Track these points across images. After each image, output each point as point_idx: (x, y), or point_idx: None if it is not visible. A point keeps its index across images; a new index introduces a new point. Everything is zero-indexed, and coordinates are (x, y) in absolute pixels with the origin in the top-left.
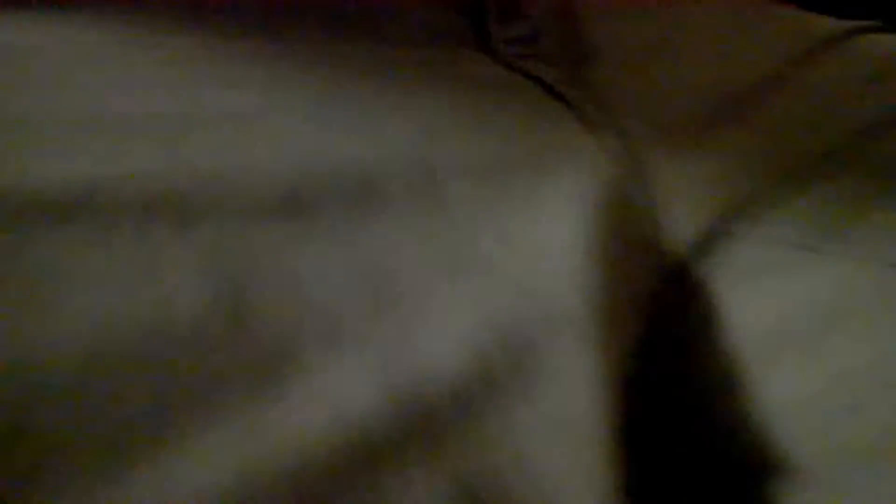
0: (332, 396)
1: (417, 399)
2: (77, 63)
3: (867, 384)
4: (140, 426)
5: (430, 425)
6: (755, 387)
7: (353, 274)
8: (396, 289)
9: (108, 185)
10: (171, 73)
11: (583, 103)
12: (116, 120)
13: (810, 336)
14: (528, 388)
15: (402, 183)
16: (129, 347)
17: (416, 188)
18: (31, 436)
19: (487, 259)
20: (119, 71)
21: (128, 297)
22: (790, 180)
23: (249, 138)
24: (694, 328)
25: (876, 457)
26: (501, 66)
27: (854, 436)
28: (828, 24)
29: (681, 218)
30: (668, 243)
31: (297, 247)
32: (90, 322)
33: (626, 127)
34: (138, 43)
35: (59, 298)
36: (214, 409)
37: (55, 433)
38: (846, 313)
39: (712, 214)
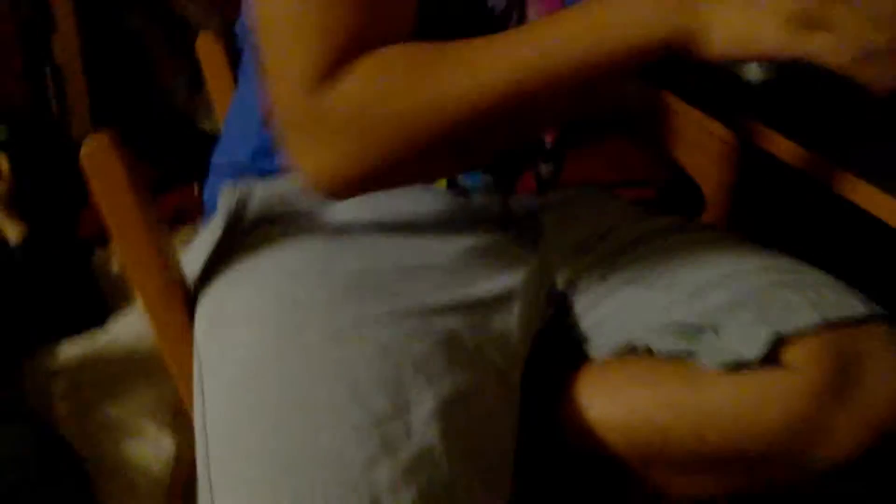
0: None
1: None
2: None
3: None
4: None
5: None
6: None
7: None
8: None
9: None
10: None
11: (536, 251)
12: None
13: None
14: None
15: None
16: None
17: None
18: None
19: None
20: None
21: None
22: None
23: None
24: (564, 312)
25: None
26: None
27: None
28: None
29: (559, 279)
30: (553, 287)
31: None
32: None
33: (547, 258)
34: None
35: None
36: None
37: None
38: None
39: (570, 276)
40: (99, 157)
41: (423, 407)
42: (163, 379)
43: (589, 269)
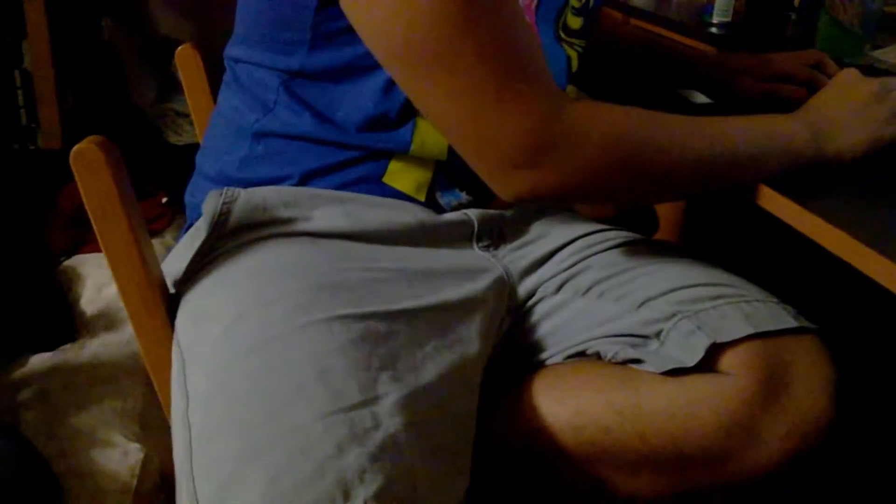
0: None
1: None
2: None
3: None
4: None
5: None
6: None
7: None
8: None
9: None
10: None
11: (499, 263)
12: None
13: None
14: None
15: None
16: None
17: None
18: None
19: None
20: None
21: None
22: None
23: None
24: (523, 320)
25: None
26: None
27: None
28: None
29: (520, 289)
30: (514, 296)
31: None
32: None
33: (509, 270)
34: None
35: None
36: None
37: None
38: None
39: (529, 287)
40: (89, 158)
41: (389, 398)
42: (129, 388)
43: (546, 280)
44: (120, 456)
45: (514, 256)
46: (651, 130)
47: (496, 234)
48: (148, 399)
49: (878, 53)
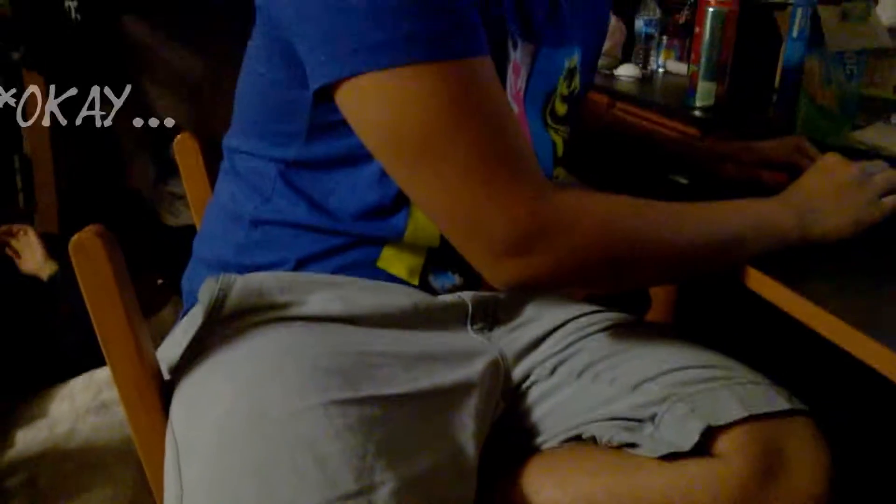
0: None
1: None
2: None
3: None
4: None
5: None
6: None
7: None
8: None
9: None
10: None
11: (493, 345)
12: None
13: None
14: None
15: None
16: None
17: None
18: None
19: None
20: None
21: None
22: None
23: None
24: (517, 403)
25: None
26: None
27: None
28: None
29: (514, 372)
30: (508, 379)
31: None
32: None
33: (503, 353)
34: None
35: None
36: None
37: None
38: None
39: (523, 370)
40: (88, 248)
41: (385, 487)
42: (120, 474)
43: (540, 363)
44: None
45: (508, 339)
46: (639, 219)
47: (490, 316)
48: (139, 485)
49: (857, 134)
